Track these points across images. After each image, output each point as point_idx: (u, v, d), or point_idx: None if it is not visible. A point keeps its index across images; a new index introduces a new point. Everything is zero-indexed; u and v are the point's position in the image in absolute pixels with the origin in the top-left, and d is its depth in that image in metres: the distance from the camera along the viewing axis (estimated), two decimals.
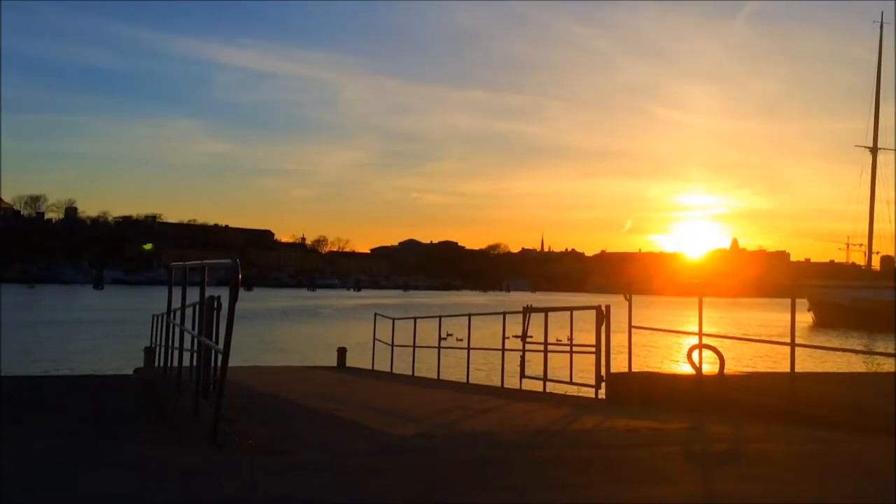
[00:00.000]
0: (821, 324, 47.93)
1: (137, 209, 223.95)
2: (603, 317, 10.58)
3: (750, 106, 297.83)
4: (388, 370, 16.53)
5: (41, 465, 5.07)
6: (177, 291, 8.71)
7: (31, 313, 57.25)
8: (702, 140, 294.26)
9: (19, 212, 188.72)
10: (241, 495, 4.24)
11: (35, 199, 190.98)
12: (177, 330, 8.89)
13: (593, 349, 10.70)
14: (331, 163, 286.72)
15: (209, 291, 7.13)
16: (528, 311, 12.87)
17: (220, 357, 6.11)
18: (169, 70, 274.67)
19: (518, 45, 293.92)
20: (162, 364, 11.00)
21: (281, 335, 43.40)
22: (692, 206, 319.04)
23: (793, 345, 8.11)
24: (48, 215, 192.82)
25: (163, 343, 10.93)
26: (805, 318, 50.39)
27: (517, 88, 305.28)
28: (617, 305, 10.73)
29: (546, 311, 12.66)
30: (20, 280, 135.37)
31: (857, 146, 63.42)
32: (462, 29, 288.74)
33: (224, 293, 6.07)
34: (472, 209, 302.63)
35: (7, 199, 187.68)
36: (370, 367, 17.42)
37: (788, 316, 8.15)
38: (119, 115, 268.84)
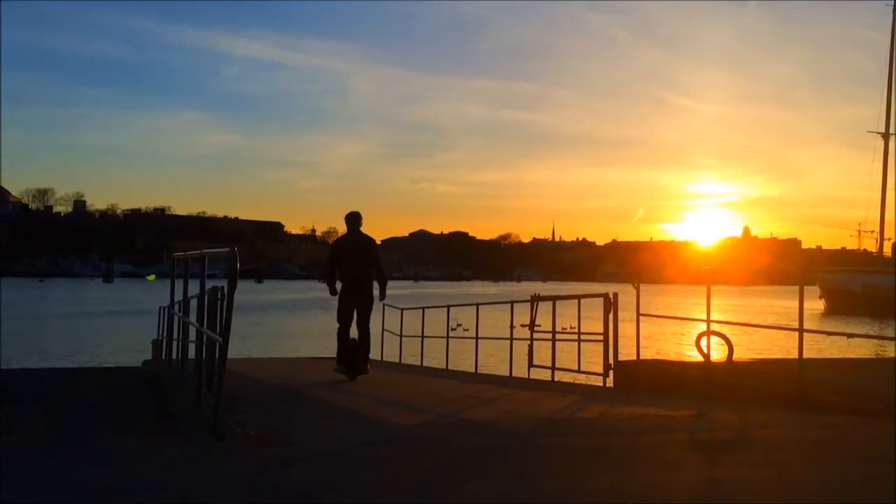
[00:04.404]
0: (832, 311, 47.66)
1: (146, 202, 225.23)
2: (610, 305, 10.50)
3: (761, 92, 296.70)
4: (397, 360, 16.49)
5: (33, 457, 5.05)
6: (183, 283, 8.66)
7: (43, 307, 57.53)
8: (713, 127, 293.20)
9: (27, 205, 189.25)
10: (236, 486, 4.18)
11: (43, 193, 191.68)
12: (181, 321, 8.85)
13: (601, 337, 10.62)
14: (340, 154, 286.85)
15: (218, 283, 7.07)
16: (535, 299, 12.80)
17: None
18: (176, 61, 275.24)
19: (527, 32, 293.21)
20: (168, 356, 10.96)
21: (290, 326, 43.43)
22: (704, 195, 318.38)
23: (801, 330, 8.05)
24: (56, 209, 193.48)
25: (168, 335, 10.91)
26: (816, 305, 50.15)
27: (527, 77, 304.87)
28: (627, 294, 10.65)
29: (554, 299, 12.58)
30: (29, 274, 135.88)
31: (868, 132, 62.94)
32: (470, 17, 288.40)
33: None
34: (482, 199, 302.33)
35: (15, 192, 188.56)
36: (379, 358, 17.37)
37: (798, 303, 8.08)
38: (126, 107, 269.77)
